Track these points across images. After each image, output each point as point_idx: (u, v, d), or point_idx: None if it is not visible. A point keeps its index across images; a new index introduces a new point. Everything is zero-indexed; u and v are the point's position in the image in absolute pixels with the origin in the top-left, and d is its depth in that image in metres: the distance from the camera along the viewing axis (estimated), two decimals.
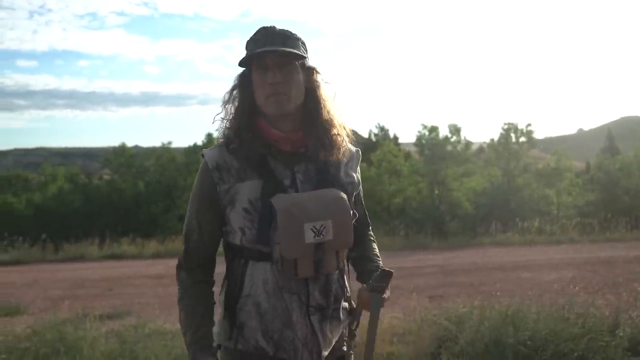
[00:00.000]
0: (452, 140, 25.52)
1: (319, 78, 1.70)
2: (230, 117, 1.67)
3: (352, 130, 1.76)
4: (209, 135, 33.81)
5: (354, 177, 1.74)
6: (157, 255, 13.28)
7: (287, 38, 1.62)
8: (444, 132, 25.59)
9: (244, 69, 1.67)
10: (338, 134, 1.69)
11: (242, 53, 1.66)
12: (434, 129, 25.46)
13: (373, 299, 1.62)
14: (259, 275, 1.61)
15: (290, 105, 1.62)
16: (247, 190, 1.59)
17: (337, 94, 1.72)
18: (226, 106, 1.67)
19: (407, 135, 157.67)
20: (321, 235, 1.57)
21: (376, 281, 1.64)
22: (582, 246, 12.89)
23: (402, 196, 24.28)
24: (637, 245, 11.81)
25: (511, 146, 25.90)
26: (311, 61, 1.70)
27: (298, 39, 1.65)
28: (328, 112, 1.68)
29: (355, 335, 1.71)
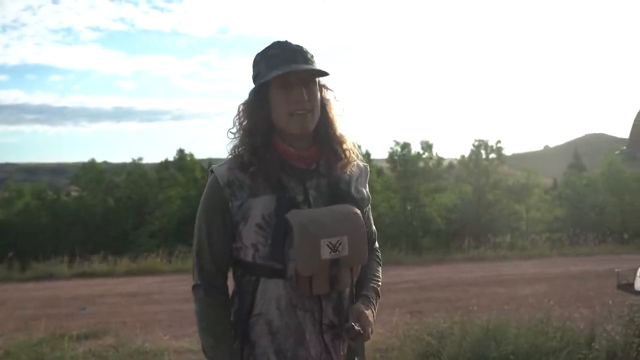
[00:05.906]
0: (424, 156, 25.85)
1: (329, 94, 1.68)
2: (243, 134, 1.63)
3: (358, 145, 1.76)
4: (181, 151, 33.64)
5: (364, 193, 1.74)
6: (129, 273, 13.00)
7: (306, 54, 1.60)
8: (416, 148, 25.94)
9: (255, 83, 1.63)
10: (349, 149, 1.69)
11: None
12: (406, 145, 25.79)
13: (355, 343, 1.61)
14: (271, 293, 1.58)
15: (313, 123, 1.61)
16: (261, 205, 1.56)
17: (345, 110, 1.71)
18: (242, 124, 1.63)
19: (379, 151, 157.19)
20: (337, 251, 1.55)
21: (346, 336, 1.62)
22: (553, 261, 13.13)
23: (375, 212, 24.38)
24: (606, 260, 12.05)
25: (481, 162, 26.37)
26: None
27: (312, 55, 1.62)
28: (339, 128, 1.68)
29: None
